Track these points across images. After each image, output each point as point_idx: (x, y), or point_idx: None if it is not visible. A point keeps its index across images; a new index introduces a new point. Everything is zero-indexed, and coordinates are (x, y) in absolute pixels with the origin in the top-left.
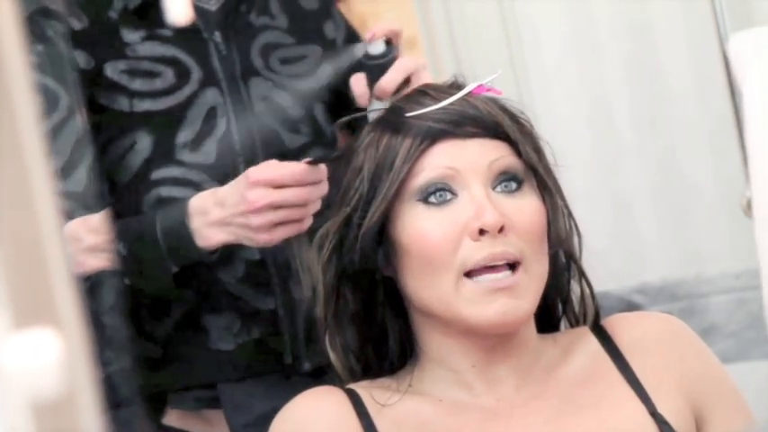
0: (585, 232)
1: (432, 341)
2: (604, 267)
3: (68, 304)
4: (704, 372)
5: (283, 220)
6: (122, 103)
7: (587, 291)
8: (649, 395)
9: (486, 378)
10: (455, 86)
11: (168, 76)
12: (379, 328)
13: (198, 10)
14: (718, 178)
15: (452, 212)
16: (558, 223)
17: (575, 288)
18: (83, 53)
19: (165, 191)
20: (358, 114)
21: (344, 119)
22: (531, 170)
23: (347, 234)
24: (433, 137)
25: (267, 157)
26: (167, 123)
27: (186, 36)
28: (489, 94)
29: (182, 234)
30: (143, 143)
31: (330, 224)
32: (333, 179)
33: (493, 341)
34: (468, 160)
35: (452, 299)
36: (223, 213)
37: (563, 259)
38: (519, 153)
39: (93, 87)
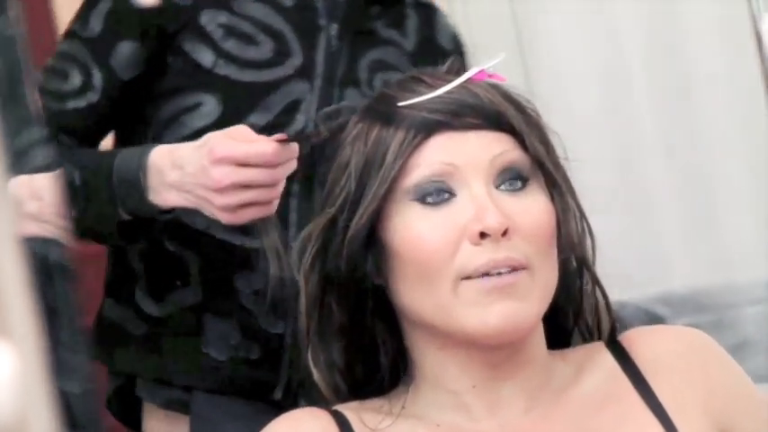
0: (600, 235)
1: (427, 357)
2: (622, 275)
3: (24, 317)
4: (733, 392)
5: (249, 201)
6: (205, 58)
7: (602, 301)
8: (671, 419)
9: (489, 400)
10: (453, 72)
11: (266, 48)
12: (367, 343)
13: None
14: (749, 175)
15: (450, 213)
16: (569, 225)
17: (589, 298)
18: None
19: None
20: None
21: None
22: (539, 166)
23: (332, 238)
24: (428, 129)
25: None
26: (243, 99)
27: (303, 14)
28: (491, 80)
29: (135, 187)
30: (209, 108)
31: (313, 226)
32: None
33: (496, 356)
34: (467, 155)
35: (450, 304)
36: (181, 178)
37: (574, 265)
38: (525, 147)
39: (180, 28)
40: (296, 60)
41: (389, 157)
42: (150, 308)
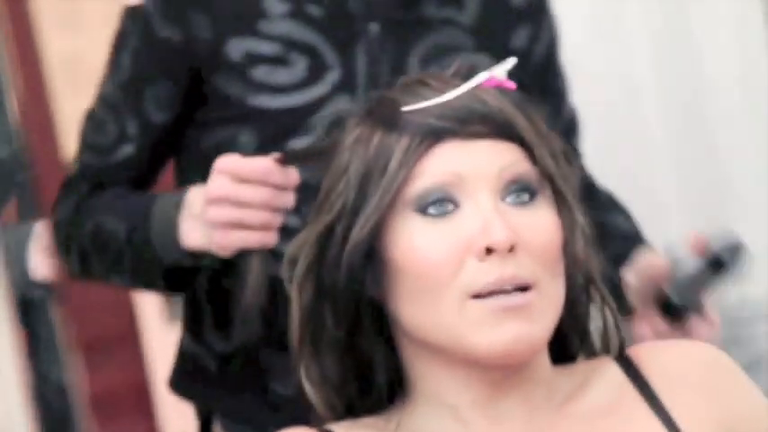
0: None
1: (425, 374)
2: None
3: (7, 351)
4: (748, 413)
5: (242, 220)
6: (234, 91)
7: (611, 320)
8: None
9: (488, 415)
10: (460, 77)
11: (299, 68)
12: (363, 358)
13: None
14: (765, 188)
15: (454, 226)
16: (576, 243)
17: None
18: (204, 17)
19: None
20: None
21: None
22: (547, 180)
23: (328, 247)
24: (434, 136)
25: None
26: (279, 125)
27: (336, 22)
28: (501, 87)
29: (170, 226)
30: (246, 139)
31: (306, 234)
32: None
33: (497, 374)
34: (474, 165)
35: (455, 324)
36: (200, 209)
37: (580, 283)
38: (533, 159)
39: (206, 62)
40: (334, 75)
41: (394, 165)
42: (218, 344)
